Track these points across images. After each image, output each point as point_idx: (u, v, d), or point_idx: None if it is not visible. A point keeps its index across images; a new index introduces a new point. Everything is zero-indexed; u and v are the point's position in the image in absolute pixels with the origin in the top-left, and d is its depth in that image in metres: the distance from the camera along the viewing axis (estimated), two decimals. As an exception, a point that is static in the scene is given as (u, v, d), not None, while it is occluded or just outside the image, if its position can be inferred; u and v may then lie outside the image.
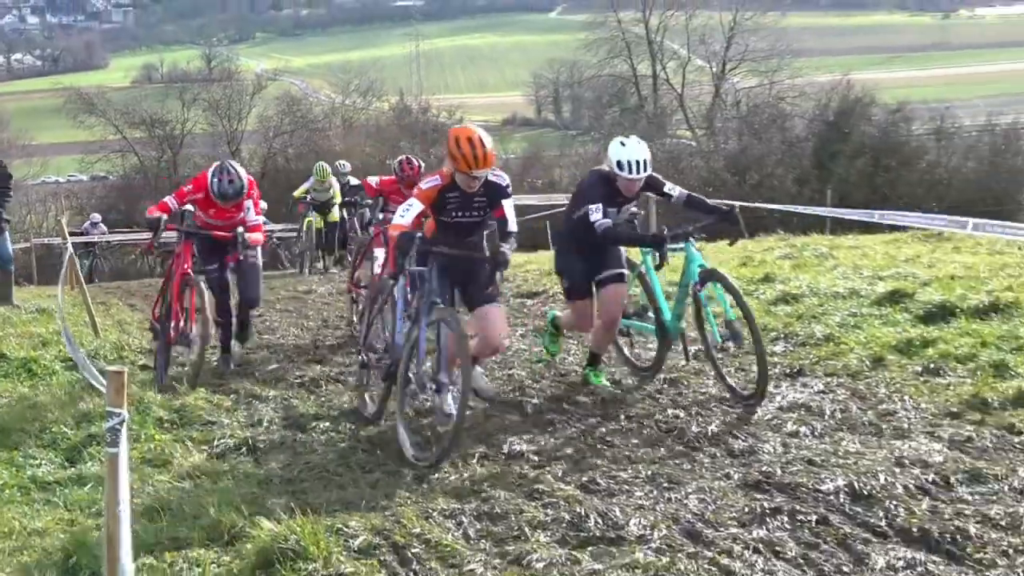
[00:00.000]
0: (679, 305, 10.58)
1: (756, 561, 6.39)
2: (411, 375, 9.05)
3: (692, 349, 10.97)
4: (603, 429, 9.10)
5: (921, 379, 9.81)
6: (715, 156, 44.33)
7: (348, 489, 7.84)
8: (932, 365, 10.15)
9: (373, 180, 16.34)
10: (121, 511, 4.11)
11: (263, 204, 26.54)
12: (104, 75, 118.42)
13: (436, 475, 8.11)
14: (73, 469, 8.19)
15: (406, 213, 9.17)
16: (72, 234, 29.79)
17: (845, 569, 6.29)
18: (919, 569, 6.21)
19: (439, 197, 9.24)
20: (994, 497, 7.21)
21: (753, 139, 46.34)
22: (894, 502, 7.10)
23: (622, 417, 9.40)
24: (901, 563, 6.30)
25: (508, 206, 9.59)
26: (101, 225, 31.34)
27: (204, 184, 11.47)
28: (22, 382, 10.81)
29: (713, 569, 6.29)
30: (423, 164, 14.82)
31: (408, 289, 9.90)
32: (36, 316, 13.76)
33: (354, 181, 23.61)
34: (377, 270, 13.01)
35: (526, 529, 6.94)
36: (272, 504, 7.40)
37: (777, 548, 6.57)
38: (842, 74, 55.66)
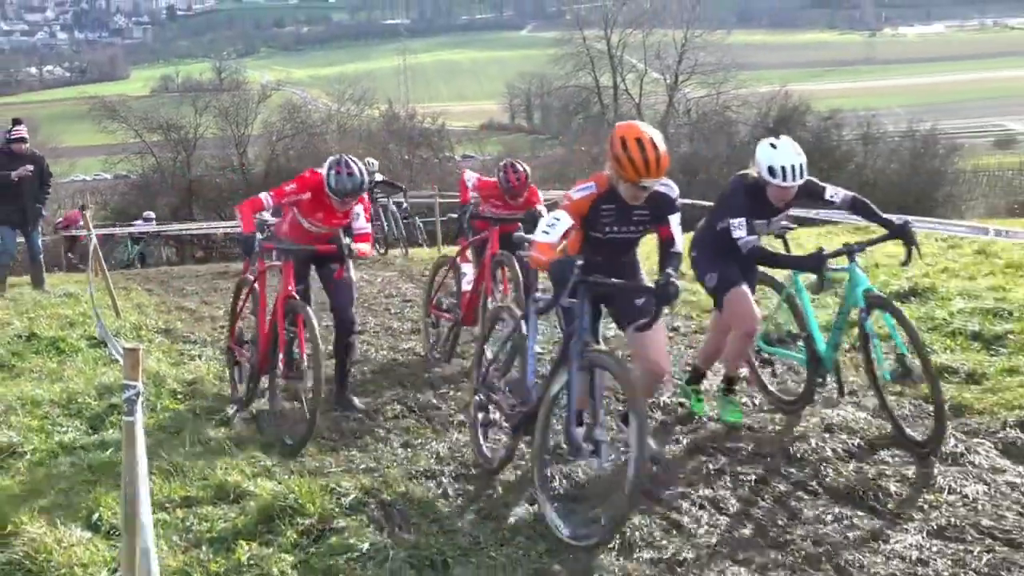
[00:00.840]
0: (837, 333, 8.55)
1: (700, 513, 6.44)
2: (554, 432, 7.10)
3: (847, 382, 8.82)
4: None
5: (848, 355, 9.82)
6: (672, 158, 44.38)
7: (340, 453, 7.85)
8: (858, 343, 10.19)
9: (470, 179, 12.45)
10: (138, 473, 4.09)
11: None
12: (125, 85, 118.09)
13: (418, 440, 8.11)
14: (96, 435, 8.17)
15: (551, 230, 6.94)
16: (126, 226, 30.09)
17: (782, 521, 6.33)
18: (845, 522, 6.26)
19: (592, 209, 7.10)
20: (911, 459, 7.26)
21: (702, 143, 46.63)
22: (824, 464, 7.15)
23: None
24: (828, 514, 6.36)
25: (675, 222, 7.34)
26: (153, 222, 31.12)
27: (312, 183, 9.12)
28: (51, 358, 10.76)
29: (663, 523, 6.33)
30: (529, 171, 11.48)
31: (540, 320, 7.80)
32: (64, 300, 13.69)
33: (379, 177, 23.25)
34: (466, 287, 10.99)
35: (499, 488, 6.96)
36: (273, 467, 7.41)
37: (714, 498, 6.63)
38: (781, 86, 55.92)
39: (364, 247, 9.30)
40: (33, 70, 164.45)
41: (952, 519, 6.25)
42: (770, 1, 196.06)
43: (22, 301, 13.67)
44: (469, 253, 11.35)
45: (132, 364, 4.51)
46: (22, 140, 14.64)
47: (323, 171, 9.00)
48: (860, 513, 6.40)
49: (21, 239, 15.28)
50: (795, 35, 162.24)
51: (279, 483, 6.87)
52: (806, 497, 6.68)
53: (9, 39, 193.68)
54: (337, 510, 6.52)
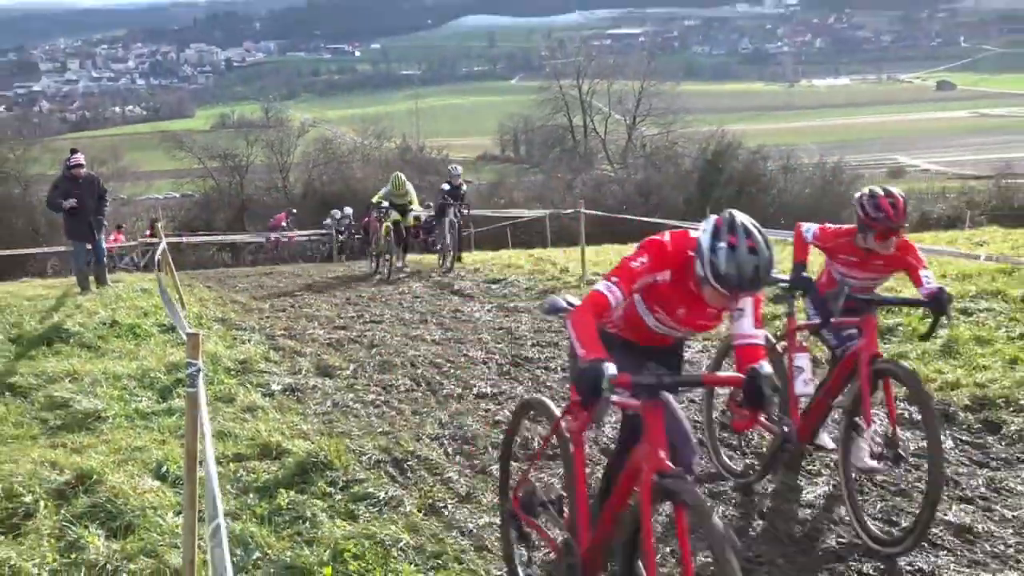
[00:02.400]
0: None
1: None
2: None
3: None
4: (544, 378, 9.10)
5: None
6: (627, 183, 44.69)
7: (362, 419, 7.83)
8: (779, 334, 10.18)
9: (808, 230, 6.51)
10: (199, 434, 4.08)
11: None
12: (191, 122, 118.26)
13: (424, 410, 8.10)
14: (164, 404, 8.16)
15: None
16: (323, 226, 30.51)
17: (707, 464, 6.33)
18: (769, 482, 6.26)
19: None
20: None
21: (655, 171, 46.78)
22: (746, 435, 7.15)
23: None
24: (752, 466, 6.35)
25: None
26: (349, 216, 31.01)
27: (674, 258, 4.18)
28: (129, 341, 10.74)
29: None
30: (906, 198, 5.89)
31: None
32: (140, 294, 13.64)
33: (464, 189, 19.86)
34: (804, 389, 6.07)
35: (489, 448, 6.95)
36: (307, 430, 7.41)
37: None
38: (718, 126, 55.95)
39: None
40: (117, 109, 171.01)
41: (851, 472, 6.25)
42: (711, 59, 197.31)
43: (106, 295, 13.64)
44: (800, 338, 6.52)
45: (193, 346, 4.51)
46: (79, 166, 14.65)
47: (700, 238, 4.08)
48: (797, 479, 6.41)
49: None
50: (730, 85, 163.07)
51: (312, 443, 6.86)
52: (722, 446, 6.69)
53: (98, 84, 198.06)
54: (359, 465, 6.52)
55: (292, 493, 5.98)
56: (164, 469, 6.41)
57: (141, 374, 9.05)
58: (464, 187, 19.77)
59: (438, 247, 19.47)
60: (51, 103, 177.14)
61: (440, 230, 18.71)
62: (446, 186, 19.10)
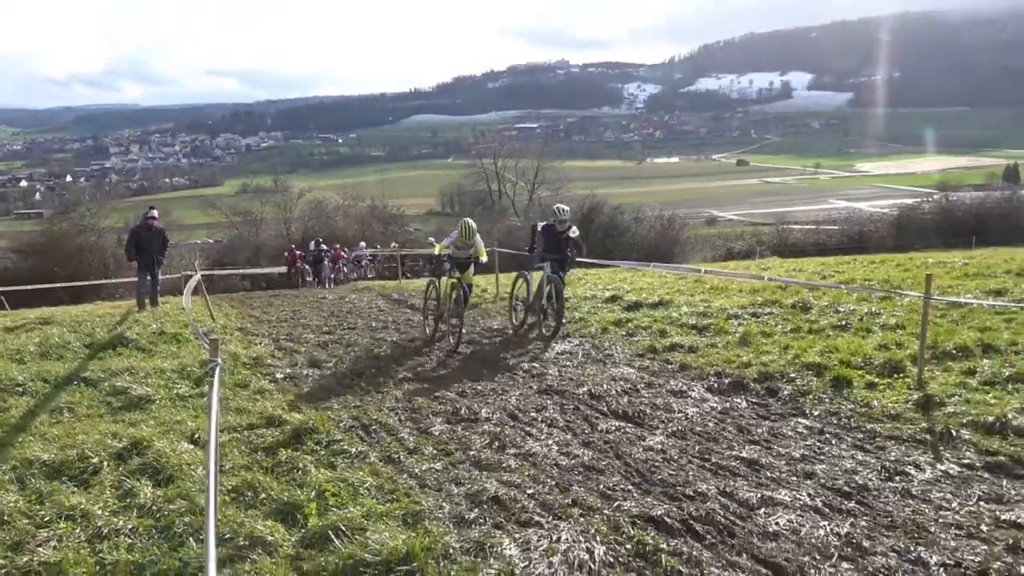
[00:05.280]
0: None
1: (543, 428, 6.43)
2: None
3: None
4: (471, 364, 9.07)
5: (625, 338, 9.90)
6: (528, 230, 45.29)
7: (340, 397, 7.68)
8: (631, 331, 10.29)
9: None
10: (212, 411, 3.95)
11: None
12: (220, 189, 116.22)
13: (384, 389, 7.99)
14: (198, 390, 7.91)
15: None
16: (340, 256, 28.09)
17: (587, 431, 6.35)
18: (622, 432, 6.30)
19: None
20: (658, 394, 7.34)
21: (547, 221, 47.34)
22: (610, 398, 7.19)
23: (479, 358, 9.36)
24: (613, 427, 6.39)
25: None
26: (365, 250, 29.70)
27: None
28: (173, 345, 10.39)
29: (522, 432, 6.30)
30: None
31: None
32: (182, 311, 13.24)
33: (574, 232, 10.63)
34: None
35: (430, 416, 6.88)
36: (301, 404, 7.23)
37: (552, 422, 6.62)
38: (590, 190, 56.71)
39: None
40: (167, 180, 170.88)
41: (680, 427, 6.33)
42: (585, 144, 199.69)
43: (157, 313, 13.21)
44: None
45: (214, 347, 4.39)
46: (154, 219, 14.33)
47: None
48: (630, 426, 6.46)
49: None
50: (598, 162, 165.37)
51: (304, 415, 6.70)
52: (600, 417, 6.72)
53: (152, 162, 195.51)
54: (337, 430, 6.38)
55: (289, 451, 5.83)
56: (196, 436, 6.20)
57: (181, 368, 8.76)
58: (575, 231, 10.70)
59: (531, 308, 10.78)
60: (118, 176, 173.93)
61: (540, 288, 10.55)
62: (539, 225, 11.09)
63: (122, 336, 10.72)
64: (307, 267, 25.72)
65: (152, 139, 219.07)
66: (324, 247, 26.47)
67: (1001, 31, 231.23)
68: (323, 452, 5.88)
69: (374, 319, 13.04)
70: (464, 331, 10.15)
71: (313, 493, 4.99)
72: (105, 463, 5.64)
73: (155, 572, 4.14)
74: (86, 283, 26.55)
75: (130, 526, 4.62)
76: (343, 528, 4.43)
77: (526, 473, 5.37)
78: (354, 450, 5.88)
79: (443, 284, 10.66)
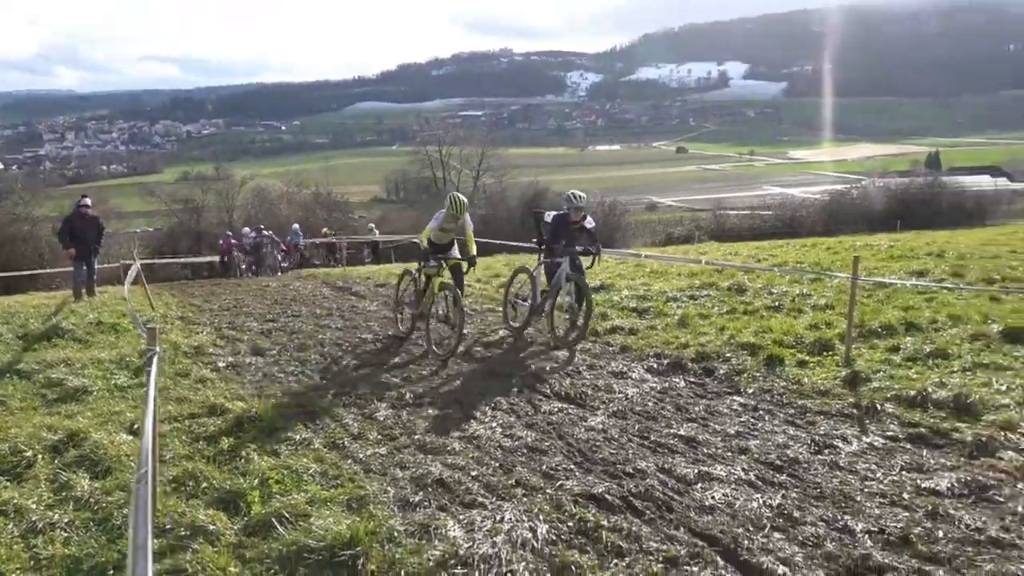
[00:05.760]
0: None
1: (487, 411, 6.44)
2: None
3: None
4: (415, 349, 9.01)
5: (567, 321, 9.95)
6: (473, 217, 45.17)
7: (284, 385, 7.56)
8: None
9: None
10: (150, 400, 3.85)
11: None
12: (160, 176, 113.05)
13: (329, 376, 7.89)
14: (137, 380, 7.68)
15: None
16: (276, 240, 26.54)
17: (530, 413, 6.38)
18: (565, 413, 6.35)
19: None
20: (600, 376, 7.41)
21: (492, 208, 47.17)
22: (553, 380, 7.24)
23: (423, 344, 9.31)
24: (556, 409, 6.43)
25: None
26: (300, 235, 28.05)
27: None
28: (111, 335, 10.07)
29: (466, 415, 6.29)
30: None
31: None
32: (121, 300, 12.83)
33: (590, 223, 9.08)
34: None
35: (375, 401, 6.82)
36: (244, 394, 7.09)
37: (496, 405, 6.64)
38: (534, 177, 56.89)
39: None
40: (104, 167, 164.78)
41: (620, 407, 6.40)
42: (529, 132, 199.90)
43: (95, 303, 12.80)
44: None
45: (152, 336, 4.27)
46: (87, 207, 13.90)
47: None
48: (572, 407, 6.51)
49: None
50: (542, 150, 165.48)
51: (247, 403, 6.57)
52: (544, 399, 6.75)
53: (90, 149, 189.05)
54: (281, 417, 6.28)
55: (231, 439, 5.71)
56: (135, 427, 6.02)
57: (119, 359, 8.51)
58: (591, 221, 9.16)
59: (538, 309, 9.10)
60: (52, 163, 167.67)
61: (555, 284, 8.80)
62: (549, 215, 9.34)
63: (57, 327, 10.35)
64: (241, 255, 24.56)
65: (88, 126, 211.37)
66: (267, 234, 25.54)
67: (923, 25, 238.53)
68: (266, 440, 5.77)
69: (318, 307, 12.85)
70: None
71: (256, 481, 4.90)
72: (40, 456, 5.44)
73: (92, 565, 4.02)
74: (20, 273, 25.52)
75: (66, 519, 4.47)
76: (287, 515, 4.36)
77: (470, 456, 5.37)
78: (298, 437, 5.80)
79: (432, 282, 8.93)
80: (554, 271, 8.90)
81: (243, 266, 24.01)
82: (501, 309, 10.14)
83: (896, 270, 12.92)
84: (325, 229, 30.27)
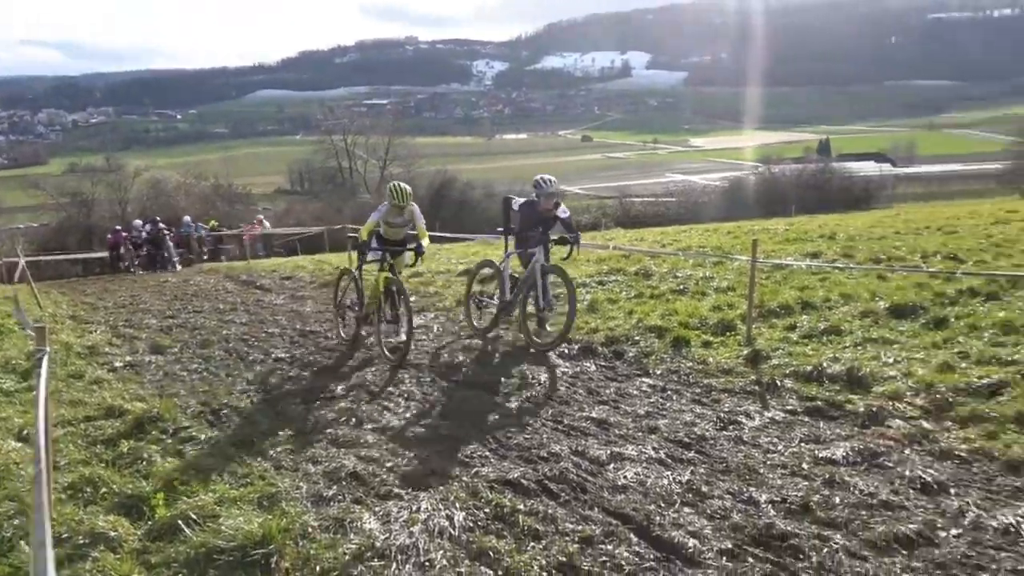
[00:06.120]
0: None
1: (400, 401, 6.38)
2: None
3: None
4: (324, 342, 8.83)
5: (479, 310, 9.95)
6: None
7: (187, 383, 7.29)
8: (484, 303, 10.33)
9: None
10: (40, 403, 3.64)
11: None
12: (46, 168, 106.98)
13: (236, 372, 7.65)
14: (25, 383, 7.24)
15: None
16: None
17: (444, 402, 6.35)
18: (479, 400, 6.35)
19: None
20: (512, 363, 7.43)
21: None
22: (466, 368, 7.22)
23: (333, 335, 9.13)
24: (470, 396, 6.42)
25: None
26: (192, 226, 26.16)
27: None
28: (-5, 337, 9.50)
29: (379, 407, 6.22)
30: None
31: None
32: (4, 300, 12.08)
33: (564, 212, 8.14)
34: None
35: (285, 396, 6.65)
36: (144, 394, 6.79)
37: (410, 395, 6.58)
38: (442, 166, 56.65)
39: None
40: None
41: (533, 392, 6.44)
42: (436, 121, 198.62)
43: (-26, 303, 12.00)
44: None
45: (40, 336, 4.03)
46: None
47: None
48: (486, 394, 6.51)
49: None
50: (449, 139, 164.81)
51: (147, 403, 6.30)
52: (457, 388, 6.74)
53: None
54: (185, 417, 6.06)
55: (131, 442, 5.46)
56: (25, 433, 5.70)
57: (5, 362, 8.00)
58: (564, 210, 8.25)
59: (509, 307, 8.32)
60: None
61: (528, 278, 8.04)
62: (516, 202, 8.42)
63: (-67, 330, 9.66)
64: (131, 248, 23.18)
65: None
66: (163, 226, 24.26)
67: (814, 18, 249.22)
68: (170, 440, 5.56)
69: (222, 302, 12.44)
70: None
71: (160, 483, 4.71)
72: (-83, 469, 5.06)
73: (-19, 581, 3.78)
74: None
75: (-50, 534, 4.18)
76: (194, 516, 4.21)
77: (384, 447, 5.32)
78: (203, 436, 5.61)
79: (375, 278, 8.04)
80: (527, 262, 8.12)
81: (136, 261, 22.78)
82: (463, 308, 9.08)
83: (792, 252, 13.50)
84: (213, 222, 29.19)
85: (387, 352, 7.59)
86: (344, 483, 4.70)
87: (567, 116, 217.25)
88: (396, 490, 4.57)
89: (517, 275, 8.33)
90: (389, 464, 4.98)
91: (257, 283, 14.47)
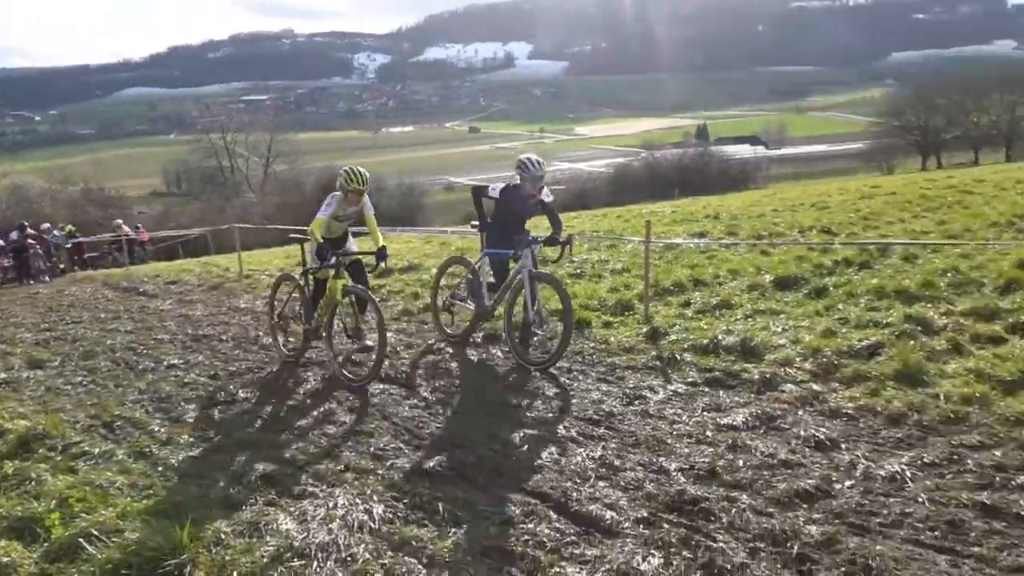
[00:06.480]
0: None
1: (307, 400, 6.24)
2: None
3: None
4: (220, 346, 8.51)
5: (379, 304, 9.84)
6: (268, 205, 43.49)
7: (72, 397, 6.87)
8: (383, 296, 10.21)
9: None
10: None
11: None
12: None
13: (125, 382, 7.27)
14: None
15: None
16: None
17: (351, 397, 6.26)
18: (387, 394, 6.29)
19: None
20: (418, 355, 7.39)
21: (287, 195, 45.79)
22: (371, 362, 7.13)
23: (232, 337, 8.82)
24: (378, 391, 6.35)
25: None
26: (54, 232, 24.12)
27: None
28: None
29: (286, 407, 6.06)
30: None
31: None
32: None
33: (547, 196, 7.07)
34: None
35: (182, 403, 6.37)
36: (25, 411, 6.35)
37: (315, 393, 6.45)
38: (328, 162, 55.52)
39: None
40: None
41: (443, 383, 6.43)
42: (318, 116, 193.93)
43: None
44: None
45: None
46: None
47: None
48: (394, 387, 6.45)
49: None
50: (333, 134, 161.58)
51: (30, 421, 5.89)
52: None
53: None
54: (74, 431, 5.71)
55: (16, 462, 5.10)
56: None
57: None
58: (548, 195, 7.17)
59: (488, 314, 7.42)
60: None
61: (514, 285, 7.05)
62: (494, 188, 7.21)
63: None
64: None
65: None
66: (32, 233, 22.53)
67: (689, 5, 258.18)
68: (60, 458, 5.23)
69: (103, 310, 11.79)
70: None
71: (54, 503, 4.42)
72: None
73: None
74: None
75: None
76: (95, 533, 3.98)
77: (294, 447, 5.20)
78: (97, 450, 5.31)
79: (330, 287, 6.80)
80: (501, 264, 7.09)
81: (11, 275, 21.12)
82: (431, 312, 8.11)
83: (680, 232, 14.01)
84: (70, 227, 27.45)
85: (345, 372, 6.60)
86: (255, 486, 4.57)
87: (453, 108, 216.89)
88: (311, 488, 4.48)
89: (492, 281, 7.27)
90: (300, 463, 4.88)
91: (140, 289, 13.79)
